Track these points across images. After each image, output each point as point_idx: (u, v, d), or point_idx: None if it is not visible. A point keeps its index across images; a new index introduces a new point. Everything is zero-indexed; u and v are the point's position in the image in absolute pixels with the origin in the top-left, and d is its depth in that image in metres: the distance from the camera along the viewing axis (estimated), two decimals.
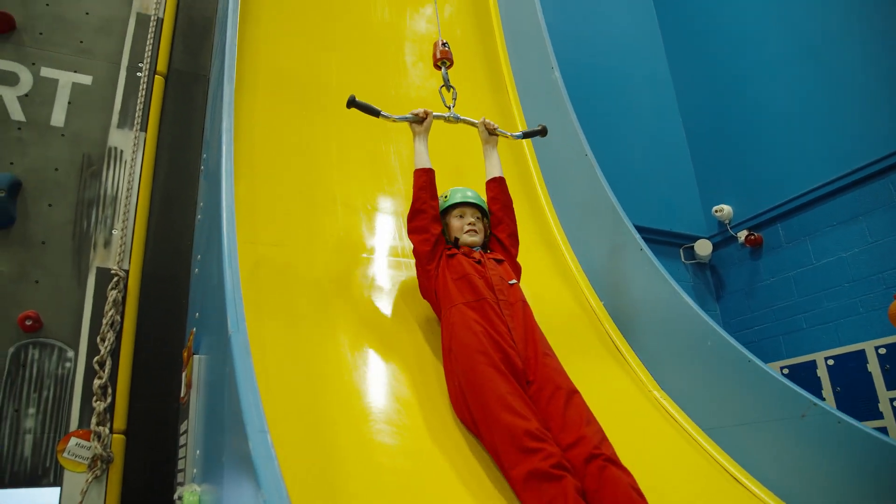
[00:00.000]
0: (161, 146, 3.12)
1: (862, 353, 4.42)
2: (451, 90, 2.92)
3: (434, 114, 2.77)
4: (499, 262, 2.56)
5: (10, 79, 2.97)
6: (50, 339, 2.63)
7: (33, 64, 3.04)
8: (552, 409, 2.07)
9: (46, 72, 3.05)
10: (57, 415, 2.55)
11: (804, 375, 4.75)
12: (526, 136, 3.10)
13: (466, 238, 2.60)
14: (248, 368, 1.32)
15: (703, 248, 5.92)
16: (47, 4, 3.17)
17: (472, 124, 2.90)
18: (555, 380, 2.16)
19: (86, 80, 3.10)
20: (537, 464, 1.84)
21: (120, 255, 2.80)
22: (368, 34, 3.73)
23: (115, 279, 2.74)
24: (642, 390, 2.65)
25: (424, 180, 2.58)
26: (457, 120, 2.86)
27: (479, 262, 2.49)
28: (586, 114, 5.46)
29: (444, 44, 2.98)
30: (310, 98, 3.28)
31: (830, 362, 4.62)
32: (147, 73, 3.18)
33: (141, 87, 3.14)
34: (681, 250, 6.00)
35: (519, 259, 2.74)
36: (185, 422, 2.04)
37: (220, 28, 3.10)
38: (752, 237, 5.62)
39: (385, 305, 2.62)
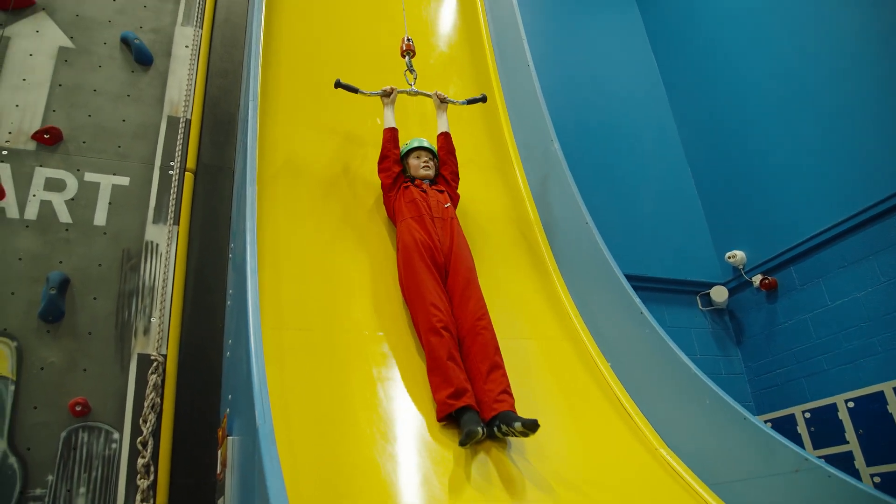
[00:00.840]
0: (193, 237, 3.41)
1: (881, 394, 4.46)
2: (413, 73, 3.93)
3: (398, 89, 3.79)
4: (440, 191, 3.49)
5: (58, 185, 3.29)
6: (97, 423, 2.86)
7: (78, 170, 3.36)
8: (457, 292, 3.07)
9: (90, 176, 3.37)
10: (105, 493, 2.76)
11: (826, 419, 4.78)
12: (469, 102, 4.02)
13: (421, 172, 3.55)
14: (274, 459, 1.52)
15: (720, 294, 6.02)
16: (89, 116, 3.52)
17: (428, 95, 3.92)
18: (462, 273, 3.14)
19: (124, 181, 3.42)
20: (433, 323, 2.86)
21: (158, 341, 3.05)
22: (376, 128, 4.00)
23: (155, 364, 2.98)
24: (649, 448, 2.78)
25: (389, 135, 3.62)
26: (416, 93, 3.89)
27: (424, 191, 3.42)
28: (597, 171, 5.72)
29: (408, 39, 3.99)
30: (326, 187, 3.54)
31: (851, 404, 4.65)
32: (178, 170, 3.49)
33: (173, 184, 3.44)
34: (697, 297, 6.11)
35: (528, 323, 3.36)
36: (222, 498, 2.23)
37: (242, 126, 3.41)
38: (767, 281, 5.71)
39: (402, 383, 2.81)
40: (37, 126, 3.39)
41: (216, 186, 3.62)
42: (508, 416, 2.57)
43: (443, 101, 3.87)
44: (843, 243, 5.17)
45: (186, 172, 3.51)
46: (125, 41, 3.78)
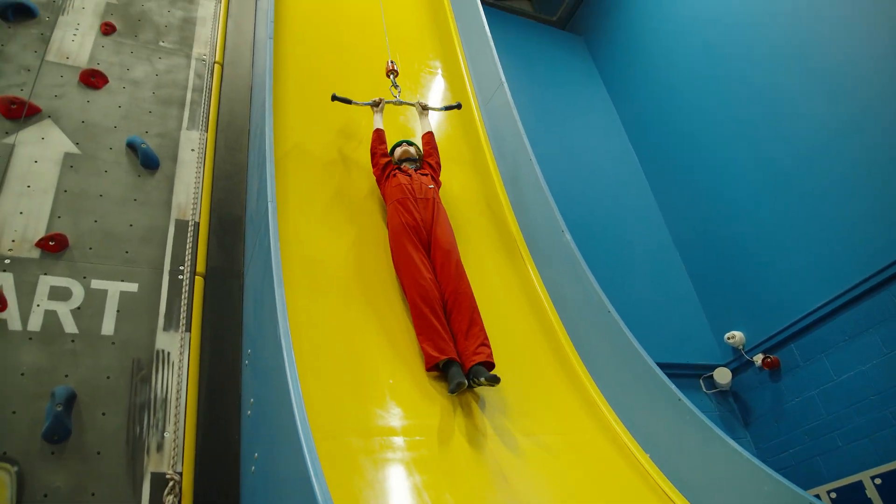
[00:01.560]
0: (204, 343, 3.26)
1: None
2: (397, 88, 4.59)
3: (385, 100, 4.45)
4: (424, 175, 3.98)
5: (64, 294, 3.15)
6: None
7: (84, 277, 3.24)
8: (438, 262, 3.59)
9: (96, 283, 3.24)
10: None
11: (855, 498, 4.65)
12: (446, 108, 4.78)
13: (405, 156, 4.12)
14: None
15: (723, 376, 5.98)
16: (96, 221, 3.43)
17: (411, 104, 4.60)
18: (443, 246, 3.63)
19: (132, 287, 3.29)
20: (419, 291, 3.40)
21: (173, 457, 2.85)
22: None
23: (171, 483, 2.77)
24: None
25: (376, 136, 4.20)
26: (400, 103, 4.55)
27: (409, 175, 3.93)
28: (588, 264, 5.73)
29: (391, 62, 4.64)
30: (346, 284, 3.48)
31: (878, 481, 4.55)
32: (188, 274, 3.39)
33: (183, 289, 3.33)
34: (700, 381, 6.06)
35: (561, 423, 3.34)
36: None
37: (254, 228, 3.35)
38: (769, 360, 5.71)
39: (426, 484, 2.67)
40: (41, 233, 3.29)
41: (226, 291, 3.51)
42: (478, 371, 3.13)
43: (424, 108, 4.55)
44: (842, 317, 5.22)
45: (196, 276, 3.41)
46: (131, 146, 3.75)
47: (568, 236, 3.86)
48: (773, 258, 5.89)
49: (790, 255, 5.74)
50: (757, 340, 5.93)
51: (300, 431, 1.91)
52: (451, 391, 3.09)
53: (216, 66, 4.40)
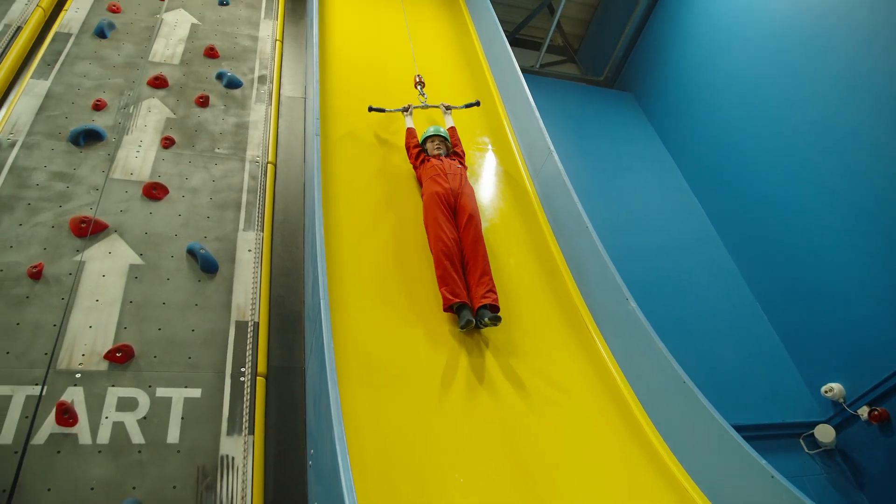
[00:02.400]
0: (268, 445, 3.22)
1: None
2: (424, 95, 5.49)
3: (413, 105, 5.28)
4: (452, 160, 4.69)
5: (130, 405, 3.20)
6: None
7: (150, 386, 3.29)
8: (461, 224, 4.23)
9: (161, 391, 3.28)
10: None
11: None
12: (467, 106, 5.43)
13: (434, 151, 4.75)
14: None
15: (825, 433, 5.50)
16: (159, 329, 3.51)
17: (436, 107, 5.39)
18: (467, 210, 4.28)
19: (195, 393, 3.32)
20: (442, 247, 4.03)
21: None
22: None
23: None
24: None
25: (409, 134, 5.01)
26: (426, 107, 5.39)
27: (440, 159, 4.63)
28: (665, 324, 5.48)
29: (419, 76, 5.63)
30: (403, 377, 3.41)
31: None
32: (249, 376, 3.39)
33: (245, 391, 3.33)
34: (801, 440, 5.58)
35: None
36: None
37: (311, 324, 3.35)
38: (876, 412, 5.23)
39: None
40: (109, 345, 3.38)
41: (289, 390, 3.50)
42: (482, 313, 3.82)
43: (448, 108, 5.33)
44: None
45: (258, 377, 3.41)
46: (191, 252, 3.87)
47: (633, 304, 3.69)
48: (866, 302, 5.48)
49: (884, 297, 5.33)
50: (859, 392, 5.45)
51: None
52: (461, 328, 3.78)
53: (269, 165, 4.54)
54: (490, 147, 5.43)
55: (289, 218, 4.35)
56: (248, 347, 3.49)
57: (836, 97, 5.88)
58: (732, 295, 6.54)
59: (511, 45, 6.10)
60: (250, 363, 3.44)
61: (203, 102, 4.86)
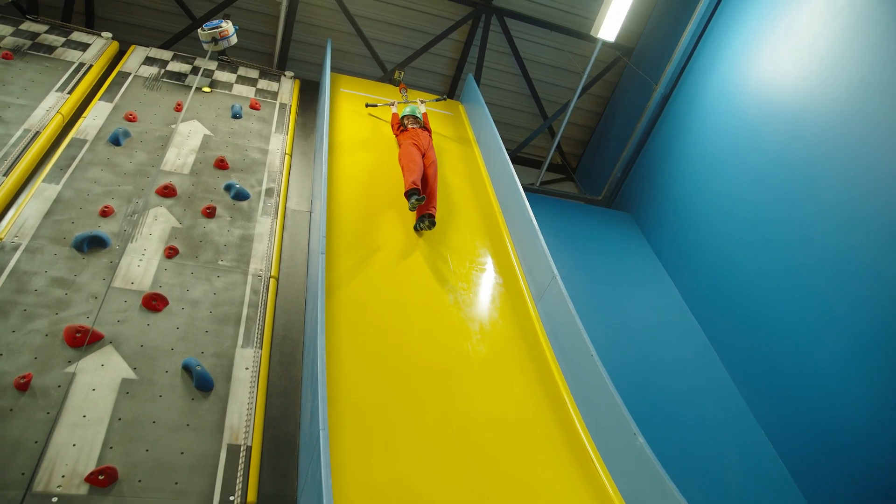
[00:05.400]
0: None
1: None
2: (404, 94, 7.75)
3: (398, 101, 7.35)
4: (423, 129, 6.57)
5: None
6: None
7: None
8: (426, 164, 6.01)
9: None
10: None
11: None
12: (437, 100, 7.93)
13: (411, 125, 6.52)
14: None
15: None
16: (147, 450, 3.35)
17: (414, 102, 7.35)
18: (430, 158, 6.12)
19: None
20: (412, 159, 5.91)
21: None
22: (455, 429, 3.81)
23: None
24: None
25: (394, 118, 6.91)
26: (406, 102, 7.36)
27: (415, 128, 6.47)
28: (670, 450, 5.31)
29: (401, 79, 8.36)
30: None
31: None
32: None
33: None
34: None
35: None
36: None
37: (307, 453, 3.21)
38: None
39: None
40: (92, 466, 3.20)
41: None
42: (423, 218, 5.47)
43: (422, 102, 7.37)
44: None
45: None
46: (186, 368, 3.76)
47: (641, 440, 3.57)
48: (874, 432, 5.35)
49: (891, 426, 5.21)
50: None
51: None
52: (411, 209, 5.44)
53: (272, 280, 4.51)
54: (492, 266, 5.45)
55: (289, 334, 4.27)
56: (238, 474, 3.32)
57: (834, 222, 6.00)
58: (735, 419, 6.40)
59: (512, 162, 6.27)
60: (240, 490, 3.26)
61: (210, 213, 4.90)
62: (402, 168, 5.85)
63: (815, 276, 6.09)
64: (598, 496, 3.71)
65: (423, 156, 6.06)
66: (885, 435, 5.27)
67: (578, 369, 4.35)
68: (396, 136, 6.59)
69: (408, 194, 5.46)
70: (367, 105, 7.26)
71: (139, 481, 3.23)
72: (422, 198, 5.38)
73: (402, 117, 6.70)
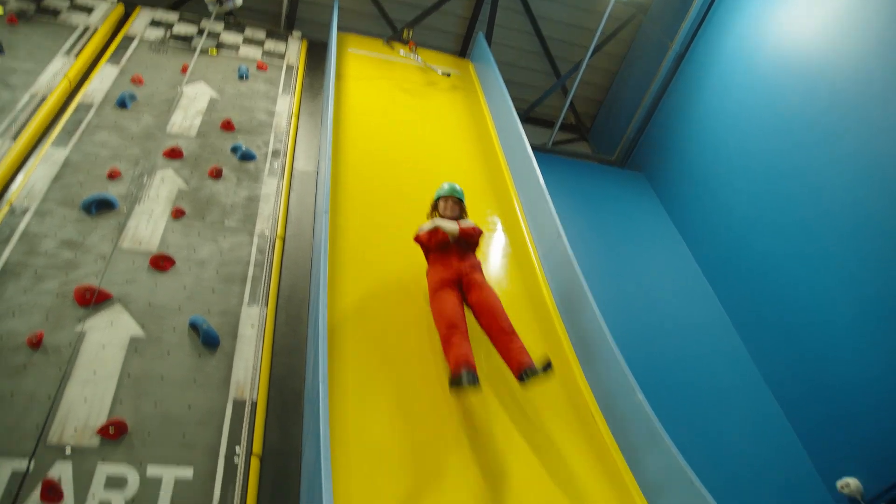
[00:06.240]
0: None
1: None
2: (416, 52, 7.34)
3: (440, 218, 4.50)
4: (466, 252, 4.28)
5: (119, 483, 3.09)
6: None
7: (141, 464, 3.19)
8: (473, 302, 4.02)
9: (152, 470, 3.18)
10: None
11: None
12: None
13: (447, 212, 4.45)
14: None
15: None
16: (156, 405, 3.43)
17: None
18: (474, 281, 4.08)
19: (187, 473, 3.21)
20: (454, 354, 3.66)
21: None
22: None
23: None
24: None
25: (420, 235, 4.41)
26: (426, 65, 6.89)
27: (450, 252, 4.24)
28: (676, 413, 5.35)
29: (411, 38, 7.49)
30: (404, 468, 3.31)
31: None
32: (244, 456, 3.29)
33: (238, 473, 3.22)
34: None
35: None
36: None
37: (310, 407, 3.27)
38: None
39: None
40: (103, 420, 3.30)
41: (284, 471, 3.39)
42: (526, 373, 3.62)
43: (457, 218, 4.48)
44: None
45: (252, 458, 3.31)
46: (193, 326, 3.83)
47: (640, 396, 3.59)
48: (882, 392, 5.32)
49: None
50: (879, 488, 5.23)
51: None
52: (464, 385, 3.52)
53: (277, 240, 4.55)
54: (500, 227, 5.43)
55: (295, 294, 4.33)
56: (244, 428, 3.40)
57: (849, 180, 5.88)
58: (744, 383, 6.38)
59: (524, 122, 6.20)
60: (246, 444, 3.35)
61: (216, 174, 4.93)
62: (437, 327, 3.97)
63: (830, 237, 5.98)
64: (595, 449, 3.75)
65: (464, 284, 4.12)
66: (891, 396, 5.24)
67: (581, 326, 4.36)
68: (423, 247, 4.43)
69: (454, 382, 3.58)
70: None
71: (148, 434, 3.32)
72: (474, 379, 3.52)
73: (437, 199, 4.55)
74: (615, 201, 8.48)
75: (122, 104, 5.35)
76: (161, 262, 4.14)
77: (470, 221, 4.38)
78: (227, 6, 5.37)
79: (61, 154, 4.74)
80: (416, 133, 6.32)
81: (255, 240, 4.52)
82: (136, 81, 5.71)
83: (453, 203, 4.45)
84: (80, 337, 3.64)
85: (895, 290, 5.34)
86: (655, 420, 3.44)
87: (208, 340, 3.77)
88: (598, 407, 3.98)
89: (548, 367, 3.59)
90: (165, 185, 4.74)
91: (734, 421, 5.95)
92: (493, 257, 5.11)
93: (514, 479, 3.45)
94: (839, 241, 5.91)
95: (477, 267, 4.25)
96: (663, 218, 8.40)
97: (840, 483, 5.44)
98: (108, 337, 3.69)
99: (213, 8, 5.34)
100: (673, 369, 6.10)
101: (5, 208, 4.21)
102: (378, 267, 4.56)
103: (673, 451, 3.29)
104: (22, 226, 4.14)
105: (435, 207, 4.51)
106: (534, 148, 5.91)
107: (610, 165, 9.58)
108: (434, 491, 3.27)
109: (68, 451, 3.15)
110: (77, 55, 5.81)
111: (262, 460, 3.37)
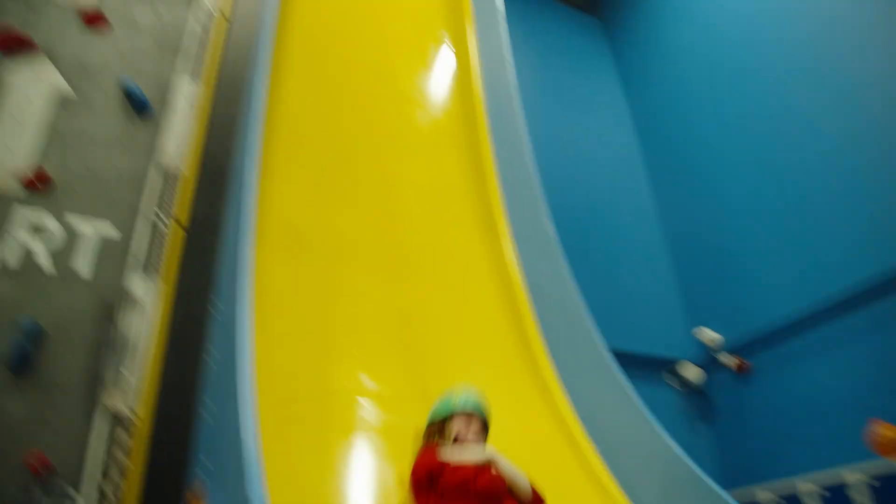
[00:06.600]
0: (180, 292, 3.34)
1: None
2: None
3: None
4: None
5: (40, 231, 3.21)
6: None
7: (62, 214, 3.29)
8: None
9: (74, 221, 3.31)
10: None
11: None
12: None
13: (469, 436, 2.53)
14: None
15: (689, 370, 6.06)
16: (83, 163, 3.47)
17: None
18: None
19: (113, 232, 3.36)
20: None
21: (131, 396, 2.94)
22: (382, 186, 4.03)
23: (125, 420, 2.88)
24: None
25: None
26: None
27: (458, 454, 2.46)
28: (578, 244, 5.71)
29: None
30: (323, 250, 3.54)
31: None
32: (168, 223, 3.45)
33: (161, 237, 3.40)
34: (669, 373, 6.13)
35: (513, 406, 3.23)
36: None
37: (236, 180, 3.39)
38: (741, 363, 5.76)
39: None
40: (28, 172, 3.32)
41: (207, 242, 3.56)
42: None
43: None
44: (822, 329, 5.19)
45: (177, 226, 3.47)
46: (126, 91, 3.77)
47: (547, 218, 3.91)
48: (761, 262, 5.85)
49: (777, 261, 5.70)
50: (731, 342, 5.96)
51: (241, 392, 2.00)
52: None
53: (221, 18, 4.38)
54: (447, 42, 5.34)
55: (238, 75, 4.24)
56: (172, 194, 3.53)
57: (788, 70, 6.01)
58: (644, 231, 6.91)
59: None
60: (170, 209, 3.48)
61: None
62: None
63: (758, 115, 6.09)
64: (497, 264, 4.12)
65: None
66: (764, 264, 5.81)
67: (510, 152, 4.54)
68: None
69: None
70: None
71: (75, 191, 3.39)
72: None
73: (445, 417, 2.60)
74: (567, 45, 8.26)
75: None
76: (94, 21, 3.93)
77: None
78: None
79: None
80: None
81: (199, 13, 4.33)
82: None
83: (478, 426, 2.60)
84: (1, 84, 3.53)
85: (796, 168, 5.72)
86: (556, 240, 3.78)
87: (140, 106, 3.74)
88: (510, 223, 4.28)
89: None
90: None
91: (626, 261, 6.53)
92: (439, 72, 5.08)
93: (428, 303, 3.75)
94: (763, 125, 6.09)
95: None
96: (610, 70, 8.41)
97: (695, 330, 6.20)
98: (34, 89, 3.59)
99: None
100: (581, 207, 6.50)
101: None
102: (325, 58, 4.48)
103: (565, 273, 3.67)
104: None
105: (439, 430, 2.60)
106: None
107: (567, 6, 9.26)
108: (351, 277, 3.56)
109: None
110: None
111: (187, 230, 3.53)
